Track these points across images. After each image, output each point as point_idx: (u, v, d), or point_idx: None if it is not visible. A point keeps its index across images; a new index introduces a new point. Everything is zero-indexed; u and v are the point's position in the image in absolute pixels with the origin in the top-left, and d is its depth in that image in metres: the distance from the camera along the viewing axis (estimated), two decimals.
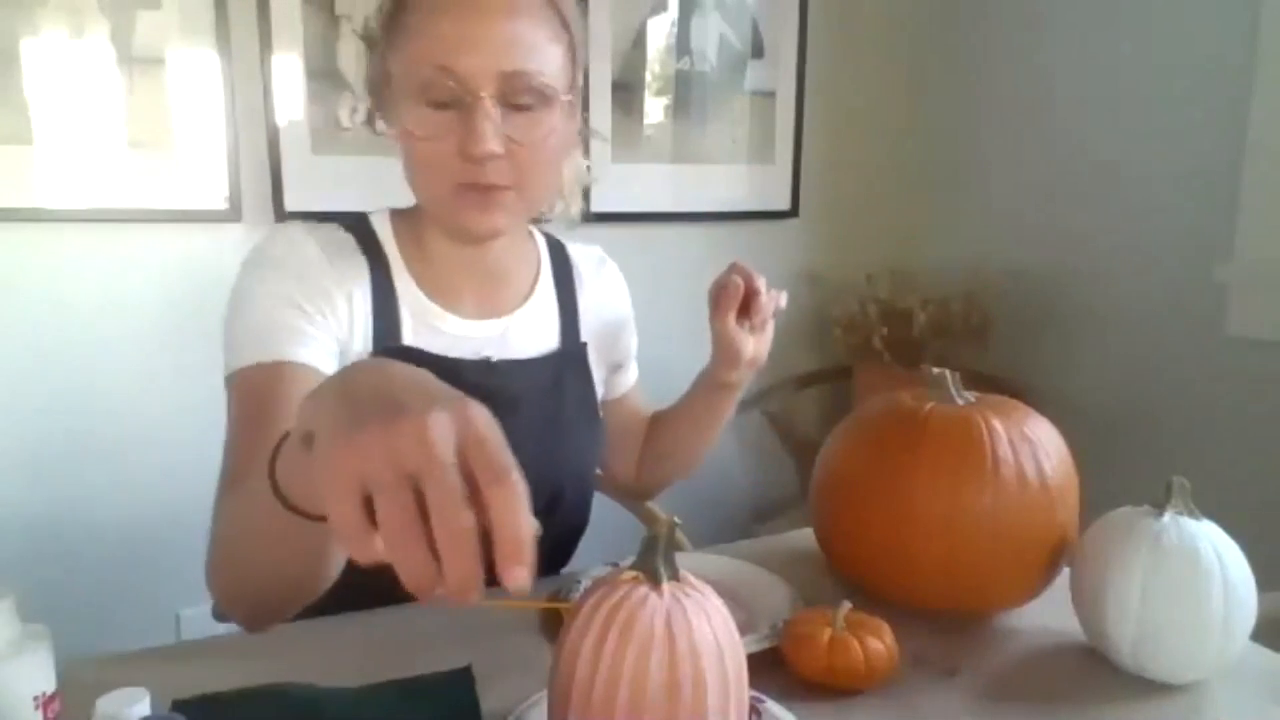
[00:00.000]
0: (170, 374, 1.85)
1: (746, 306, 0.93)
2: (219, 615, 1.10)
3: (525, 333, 0.96)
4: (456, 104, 0.77)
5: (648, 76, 2.19)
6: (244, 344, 0.80)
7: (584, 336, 1.01)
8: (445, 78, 0.76)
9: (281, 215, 1.87)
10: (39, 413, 1.78)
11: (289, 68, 1.85)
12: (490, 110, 0.76)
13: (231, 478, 0.76)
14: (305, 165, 1.89)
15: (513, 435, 0.84)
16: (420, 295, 0.89)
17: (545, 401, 0.94)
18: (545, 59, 0.79)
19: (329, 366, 0.81)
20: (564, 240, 1.05)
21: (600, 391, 1.06)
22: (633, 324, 1.12)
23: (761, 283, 0.93)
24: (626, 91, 2.17)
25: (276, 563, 0.65)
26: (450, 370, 0.84)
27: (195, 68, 1.79)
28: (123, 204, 1.77)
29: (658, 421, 1.14)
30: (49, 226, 1.75)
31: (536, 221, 1.03)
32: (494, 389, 0.87)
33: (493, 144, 0.77)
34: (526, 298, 0.97)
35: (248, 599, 0.74)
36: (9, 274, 1.74)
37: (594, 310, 1.04)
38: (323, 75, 1.88)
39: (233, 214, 1.85)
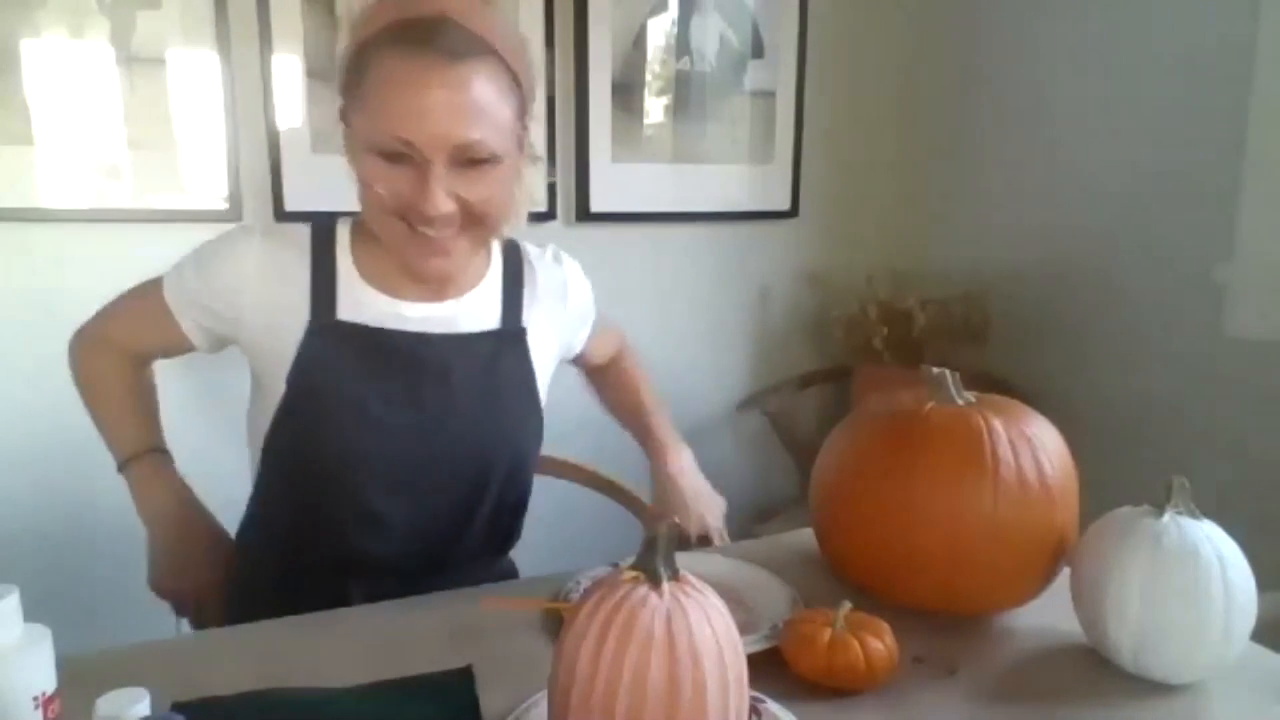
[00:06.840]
0: (170, 373, 1.84)
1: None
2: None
3: (465, 315, 0.99)
4: (410, 161, 0.83)
5: (648, 76, 2.19)
6: (176, 277, 1.04)
7: (525, 323, 1.03)
8: (399, 144, 0.82)
9: (281, 215, 1.87)
10: (38, 412, 1.78)
11: (289, 68, 1.85)
12: (442, 174, 0.83)
13: (105, 325, 1.16)
14: (305, 165, 1.88)
15: (442, 402, 0.95)
16: (365, 285, 0.95)
17: (479, 375, 0.98)
18: (495, 120, 0.84)
19: (198, 338, 1.05)
20: (519, 240, 1.08)
21: (548, 376, 1.08)
22: (591, 314, 1.15)
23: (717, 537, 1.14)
24: (626, 91, 2.16)
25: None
26: (380, 339, 0.94)
27: (195, 68, 1.78)
28: (123, 204, 1.77)
29: (607, 383, 1.27)
30: (49, 226, 1.74)
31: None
32: (425, 358, 0.95)
33: (444, 206, 0.84)
34: (470, 288, 1.00)
35: None
36: (9, 274, 1.74)
37: (544, 300, 1.05)
38: (323, 75, 1.87)
39: (233, 214, 1.85)
